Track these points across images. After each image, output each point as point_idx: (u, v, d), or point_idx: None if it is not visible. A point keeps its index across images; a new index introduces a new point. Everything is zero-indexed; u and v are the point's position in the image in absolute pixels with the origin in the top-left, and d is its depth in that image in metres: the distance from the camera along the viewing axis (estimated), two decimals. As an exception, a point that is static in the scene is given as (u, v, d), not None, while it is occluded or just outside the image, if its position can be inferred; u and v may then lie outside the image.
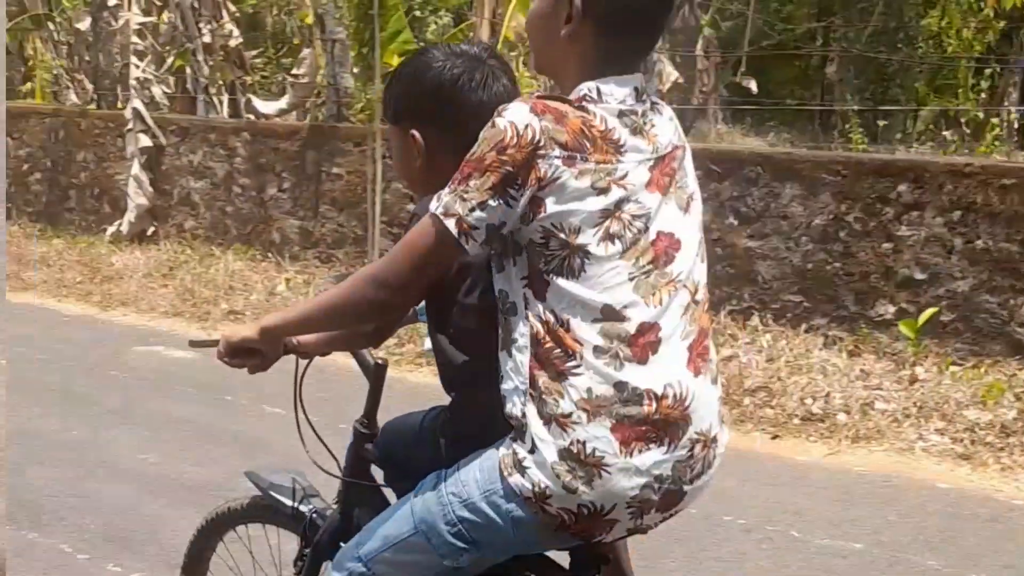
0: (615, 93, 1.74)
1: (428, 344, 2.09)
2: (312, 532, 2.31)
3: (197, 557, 2.61)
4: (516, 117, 1.67)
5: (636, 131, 1.74)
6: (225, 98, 8.76)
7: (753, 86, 11.41)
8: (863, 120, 10.30)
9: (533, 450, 1.72)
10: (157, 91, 8.71)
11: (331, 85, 7.81)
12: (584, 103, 1.72)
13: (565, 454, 1.69)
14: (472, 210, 1.68)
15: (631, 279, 1.71)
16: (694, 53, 9.45)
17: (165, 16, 9.02)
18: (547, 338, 1.71)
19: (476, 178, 1.68)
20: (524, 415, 1.74)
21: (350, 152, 7.45)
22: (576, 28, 1.76)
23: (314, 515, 2.32)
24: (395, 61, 7.59)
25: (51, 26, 11.34)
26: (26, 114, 9.40)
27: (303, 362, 2.27)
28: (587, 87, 1.74)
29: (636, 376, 1.70)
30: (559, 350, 1.70)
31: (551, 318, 1.71)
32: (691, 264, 1.79)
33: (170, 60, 8.91)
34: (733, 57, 11.18)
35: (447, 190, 1.72)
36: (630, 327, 1.70)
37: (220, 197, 8.22)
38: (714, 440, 1.80)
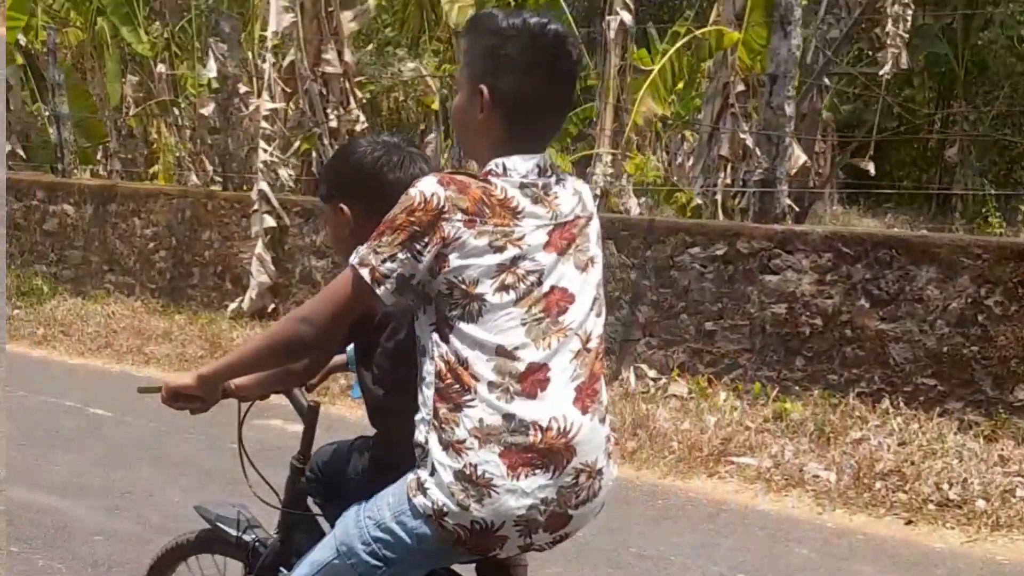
0: (518, 168, 2.17)
1: (357, 392, 2.50)
2: (255, 559, 2.66)
3: None
4: (425, 187, 2.10)
5: (536, 200, 2.16)
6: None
7: (871, 168, 11.61)
8: (989, 203, 10.39)
9: (433, 473, 2.09)
10: (283, 174, 9.26)
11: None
12: (490, 176, 2.15)
13: (459, 475, 2.07)
14: (384, 261, 2.10)
15: (523, 324, 2.11)
16: (814, 137, 9.69)
17: (293, 103, 9.58)
18: (448, 375, 2.10)
19: (388, 235, 2.10)
20: (427, 442, 2.12)
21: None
22: (487, 117, 2.19)
23: (256, 543, 2.69)
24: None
25: (176, 111, 12.14)
26: (154, 195, 10.02)
27: (244, 405, 2.67)
28: (494, 163, 2.17)
29: (524, 409, 2.08)
30: (457, 385, 2.09)
31: (452, 357, 2.10)
32: (584, 316, 2.19)
33: (296, 144, 9.47)
34: (855, 141, 11.39)
35: (364, 246, 2.14)
36: (520, 365, 2.09)
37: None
38: (599, 472, 2.18)
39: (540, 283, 2.15)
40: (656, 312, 6.91)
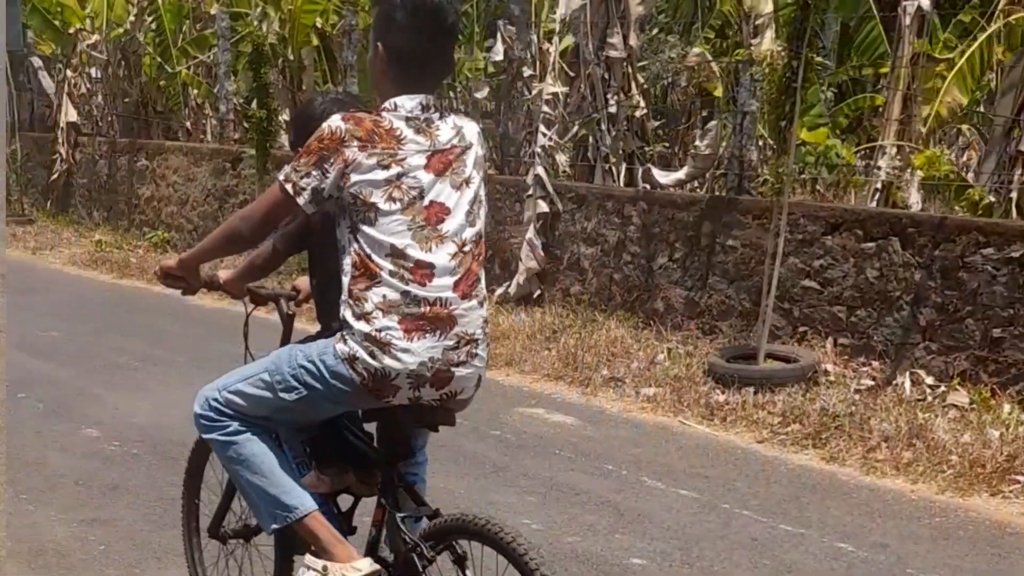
0: (405, 105, 3.07)
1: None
2: None
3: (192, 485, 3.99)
4: (331, 122, 3.03)
5: (418, 131, 3.05)
6: (623, 167, 9.72)
7: None
8: None
9: (351, 332, 2.99)
10: (559, 159, 9.84)
11: (735, 157, 8.53)
12: (383, 112, 3.07)
13: (368, 337, 2.96)
14: (302, 177, 3.01)
15: (409, 229, 2.99)
16: None
17: (574, 88, 10.13)
18: (360, 266, 3.00)
19: (304, 158, 3.02)
20: (344, 316, 3.02)
21: (748, 225, 8.11)
22: (384, 68, 3.12)
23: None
24: (805, 135, 8.22)
25: (451, 95, 13.02)
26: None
27: (250, 307, 3.71)
28: (388, 102, 3.09)
29: (418, 291, 2.98)
30: (366, 273, 2.99)
31: (361, 252, 3.00)
32: (459, 226, 3.06)
33: (574, 129, 10.03)
34: None
35: (288, 166, 3.05)
36: (409, 262, 2.99)
37: (609, 264, 9.14)
38: (476, 341, 3.08)
39: (421, 197, 3.04)
40: (939, 315, 6.94)
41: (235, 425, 3.26)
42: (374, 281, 3.00)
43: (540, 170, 9.53)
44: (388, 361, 2.98)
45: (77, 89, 16.61)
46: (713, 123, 9.41)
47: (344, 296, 3.06)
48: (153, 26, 15.48)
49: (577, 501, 5.51)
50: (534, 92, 10.08)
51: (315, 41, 14.13)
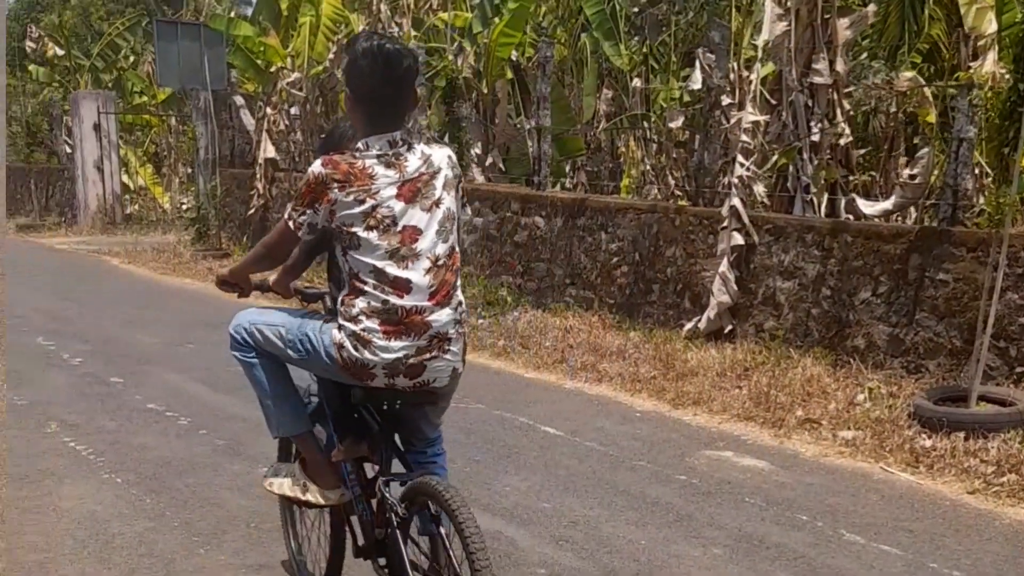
0: (374, 145, 3.66)
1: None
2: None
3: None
4: (313, 168, 3.63)
5: (388, 165, 3.64)
6: (825, 197, 9.30)
7: None
8: None
9: (341, 328, 3.68)
10: (757, 190, 9.50)
11: (948, 186, 8.01)
12: (356, 153, 3.66)
13: (354, 335, 3.65)
14: (299, 216, 3.68)
15: (386, 252, 3.62)
16: None
17: (774, 115, 9.78)
18: (351, 279, 3.67)
19: (298, 201, 3.68)
20: (339, 314, 3.70)
21: (961, 258, 7.57)
22: (353, 112, 3.76)
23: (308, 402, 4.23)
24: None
25: (645, 125, 12.86)
26: (623, 209, 10.68)
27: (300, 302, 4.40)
28: (360, 143, 3.69)
29: (397, 301, 3.61)
30: (355, 286, 3.66)
31: (350, 271, 3.67)
32: (431, 244, 3.67)
33: (774, 158, 9.67)
34: None
35: (290, 207, 3.72)
36: (388, 279, 3.62)
37: (806, 298, 8.71)
38: (448, 340, 3.71)
39: (395, 223, 3.64)
40: None
41: (253, 354, 4.06)
42: (361, 293, 3.69)
43: (736, 201, 9.22)
44: (367, 355, 3.69)
45: (276, 126, 17.20)
46: (925, 150, 8.89)
47: (339, 303, 3.77)
48: (351, 64, 15.87)
49: (768, 556, 5.14)
50: (732, 121, 9.80)
51: (509, 74, 14.24)
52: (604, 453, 6.77)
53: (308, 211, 3.67)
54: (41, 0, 46.35)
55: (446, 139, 12.44)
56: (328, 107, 16.59)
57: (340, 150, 3.81)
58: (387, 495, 3.89)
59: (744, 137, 9.49)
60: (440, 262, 3.70)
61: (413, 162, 3.70)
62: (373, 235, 3.62)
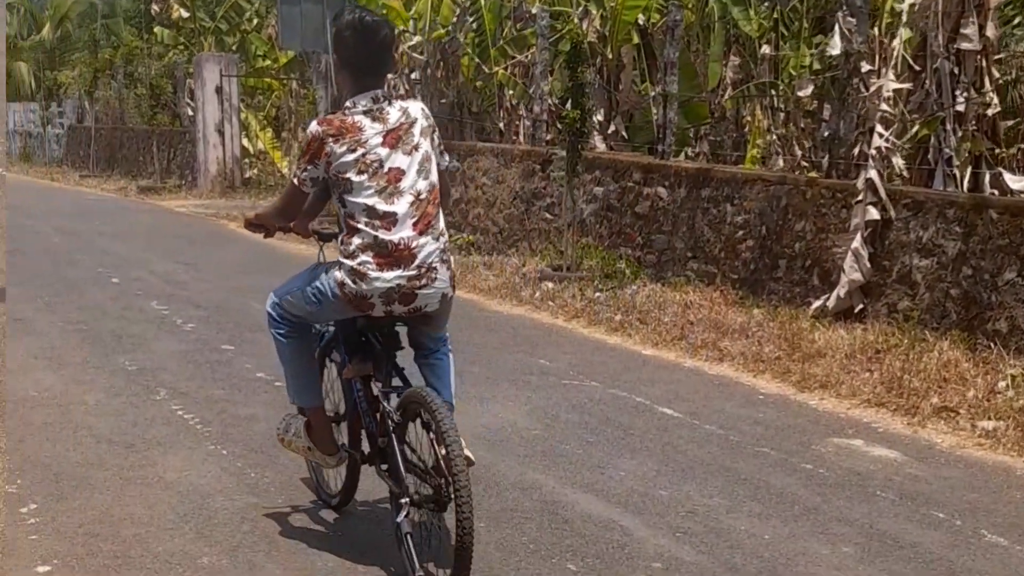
0: (360, 102, 4.40)
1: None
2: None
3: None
4: (311, 128, 4.39)
5: (374, 119, 4.37)
6: (968, 171, 8.86)
7: None
8: None
9: (341, 266, 4.37)
10: (896, 162, 9.09)
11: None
12: (346, 110, 4.40)
13: (351, 270, 4.33)
14: (302, 172, 4.43)
15: (376, 192, 4.32)
16: None
17: (917, 84, 9.36)
18: (347, 220, 4.37)
19: (301, 160, 4.42)
20: (340, 251, 4.40)
21: (1119, 238, 7.14)
22: (341, 72, 4.51)
23: (324, 333, 5.01)
24: None
25: (773, 93, 12.47)
26: (751, 181, 10.34)
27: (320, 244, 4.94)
28: (348, 102, 4.42)
29: (385, 236, 4.29)
30: (350, 227, 4.35)
31: (346, 212, 4.36)
32: (413, 181, 4.37)
33: (914, 129, 9.25)
34: None
35: (296, 166, 4.45)
36: (378, 215, 4.31)
37: (945, 278, 8.29)
38: (434, 269, 4.40)
39: (382, 166, 4.38)
40: None
41: (285, 328, 4.78)
42: (355, 232, 4.40)
43: (873, 173, 8.84)
44: (364, 286, 4.39)
45: (396, 90, 17.16)
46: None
47: (338, 241, 4.51)
48: (474, 27, 15.76)
49: (902, 556, 4.83)
50: (872, 89, 9.38)
51: (635, 39, 13.95)
52: (725, 438, 6.52)
53: (310, 167, 4.46)
54: (169, -37, 47.21)
55: (568, 105, 12.20)
56: (449, 71, 16.49)
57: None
58: (386, 405, 4.60)
59: (884, 106, 9.07)
60: (422, 196, 4.44)
61: (393, 114, 4.47)
62: (363, 178, 4.38)
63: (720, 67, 13.51)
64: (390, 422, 4.51)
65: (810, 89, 11.15)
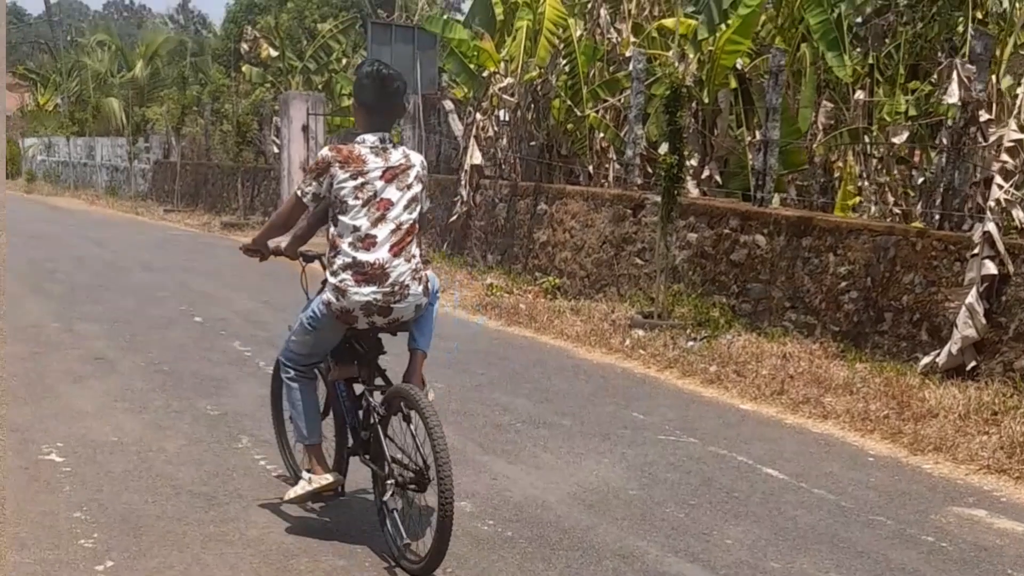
0: (368, 139, 5.17)
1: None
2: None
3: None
4: (322, 153, 5.21)
5: (377, 155, 5.13)
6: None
7: None
8: None
9: (329, 285, 5.14)
10: (1017, 214, 8.68)
11: None
12: (355, 143, 5.19)
13: (335, 288, 5.09)
14: (306, 188, 5.17)
15: (366, 217, 5.05)
16: None
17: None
18: (334, 239, 5.13)
19: (307, 177, 5.20)
20: (327, 272, 5.17)
21: None
22: (357, 111, 5.32)
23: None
24: None
25: (865, 140, 12.10)
26: (856, 230, 9.96)
27: (301, 265, 5.64)
28: (359, 137, 5.21)
29: (363, 256, 5.04)
30: (334, 247, 5.11)
31: (335, 233, 5.13)
32: (399, 213, 5.09)
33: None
34: None
35: (301, 181, 5.23)
36: (361, 236, 5.04)
37: (1071, 339, 7.87)
38: (406, 286, 5.08)
39: (376, 196, 5.07)
40: None
41: (294, 372, 5.45)
42: (338, 252, 5.11)
43: (991, 226, 8.45)
44: (345, 302, 5.09)
45: (484, 132, 17.03)
46: None
47: (327, 260, 5.22)
48: (567, 69, 15.58)
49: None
50: (992, 139, 8.98)
51: (733, 83, 13.64)
52: (835, 504, 6.14)
53: (314, 183, 5.16)
54: (258, 2, 48.02)
55: (662, 150, 11.92)
56: (539, 113, 16.30)
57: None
58: (371, 400, 5.34)
59: (1004, 156, 8.69)
60: (403, 227, 5.13)
61: (395, 156, 5.22)
62: (358, 203, 5.09)
63: (811, 112, 13.15)
64: (375, 415, 5.22)
65: (905, 136, 10.80)
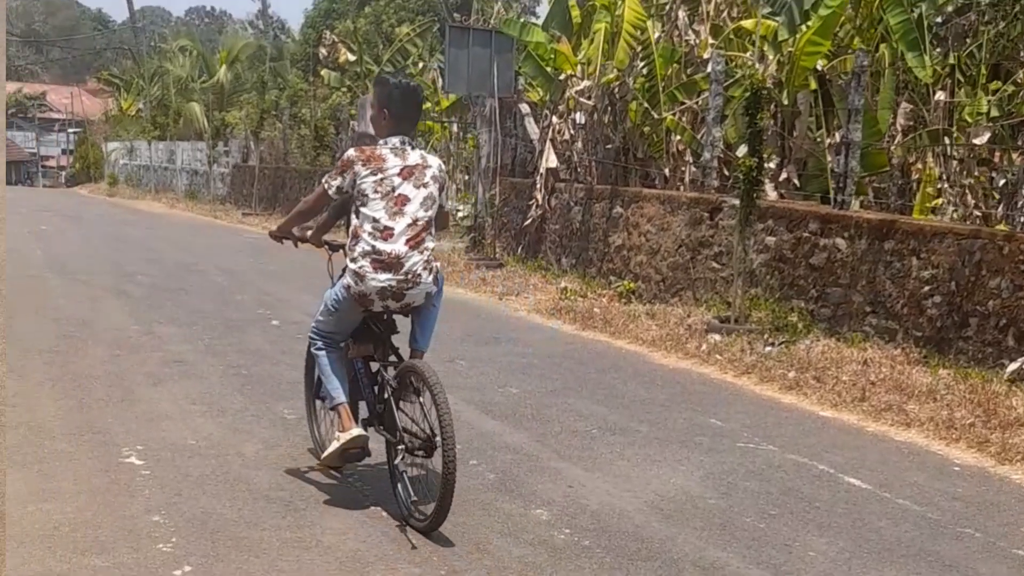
0: (391, 142, 5.83)
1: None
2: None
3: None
4: (348, 153, 5.83)
5: (396, 155, 5.78)
6: None
7: None
8: None
9: (349, 271, 5.76)
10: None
11: None
12: (378, 144, 5.84)
13: (354, 273, 5.70)
14: (332, 181, 5.81)
15: (384, 210, 5.67)
16: None
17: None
18: (356, 229, 5.74)
19: (333, 172, 5.83)
20: (347, 258, 5.81)
21: None
22: (384, 121, 5.88)
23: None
24: None
25: (947, 140, 11.82)
26: (940, 234, 9.72)
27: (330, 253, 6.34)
28: (382, 140, 5.86)
29: (381, 245, 5.65)
30: (356, 236, 5.72)
31: (357, 223, 5.74)
32: (415, 209, 5.71)
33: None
34: None
35: (327, 176, 5.87)
36: (380, 226, 5.66)
37: None
38: (418, 275, 5.70)
39: (394, 191, 5.66)
40: None
41: (322, 343, 6.03)
42: (359, 240, 5.68)
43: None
44: (362, 286, 5.67)
45: (560, 135, 16.95)
46: None
47: (347, 247, 5.82)
48: (644, 72, 15.45)
49: None
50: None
51: (813, 84, 13.42)
52: (921, 515, 5.96)
53: (339, 177, 5.79)
54: (337, 7, 48.40)
55: (741, 152, 11.75)
56: (616, 116, 16.18)
57: (364, 144, 6.07)
58: (384, 375, 5.91)
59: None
60: (419, 222, 5.73)
61: (413, 157, 5.83)
62: (378, 196, 5.69)
63: (890, 114, 12.89)
64: (388, 388, 5.79)
65: (986, 137, 10.52)
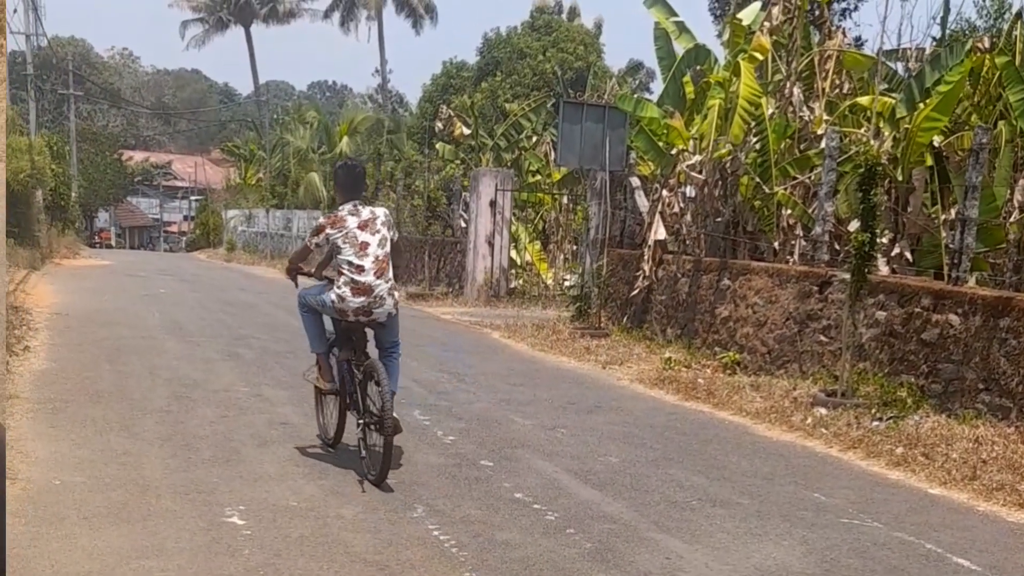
0: (345, 207, 8.14)
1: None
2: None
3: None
4: (321, 221, 8.18)
5: (352, 215, 8.09)
6: None
7: None
8: None
9: (333, 291, 8.08)
10: None
11: None
12: (338, 210, 8.18)
13: (339, 295, 8.03)
14: (313, 239, 8.20)
15: (354, 254, 7.98)
16: None
17: None
18: (338, 268, 8.08)
19: (312, 234, 8.22)
20: (334, 285, 8.13)
21: None
22: (337, 190, 8.40)
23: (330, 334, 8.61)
24: None
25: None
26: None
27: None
28: (340, 207, 8.20)
29: (357, 278, 7.97)
30: (339, 273, 8.05)
31: (337, 263, 8.12)
32: (375, 248, 8.01)
33: None
34: None
35: (309, 236, 8.31)
36: (354, 266, 7.97)
37: None
38: (383, 299, 8.03)
39: (356, 240, 7.94)
40: None
41: (307, 308, 8.29)
42: (341, 275, 7.89)
43: None
44: (343, 304, 7.87)
45: (670, 208, 16.93)
46: None
47: (334, 280, 7.97)
48: (756, 146, 15.40)
49: None
50: None
51: (929, 160, 13.21)
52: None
53: (316, 238, 8.00)
54: (453, 83, 49.28)
55: (853, 227, 11.54)
56: (727, 190, 16.12)
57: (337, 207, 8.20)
58: (355, 371, 8.03)
59: None
60: (380, 258, 7.88)
61: (364, 213, 7.97)
62: (347, 246, 7.85)
63: (1006, 190, 12.60)
64: (357, 379, 7.94)
65: None
